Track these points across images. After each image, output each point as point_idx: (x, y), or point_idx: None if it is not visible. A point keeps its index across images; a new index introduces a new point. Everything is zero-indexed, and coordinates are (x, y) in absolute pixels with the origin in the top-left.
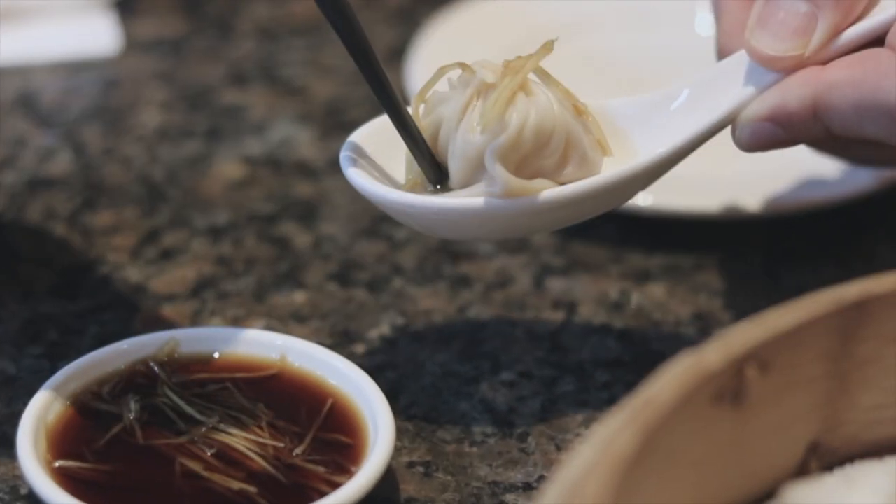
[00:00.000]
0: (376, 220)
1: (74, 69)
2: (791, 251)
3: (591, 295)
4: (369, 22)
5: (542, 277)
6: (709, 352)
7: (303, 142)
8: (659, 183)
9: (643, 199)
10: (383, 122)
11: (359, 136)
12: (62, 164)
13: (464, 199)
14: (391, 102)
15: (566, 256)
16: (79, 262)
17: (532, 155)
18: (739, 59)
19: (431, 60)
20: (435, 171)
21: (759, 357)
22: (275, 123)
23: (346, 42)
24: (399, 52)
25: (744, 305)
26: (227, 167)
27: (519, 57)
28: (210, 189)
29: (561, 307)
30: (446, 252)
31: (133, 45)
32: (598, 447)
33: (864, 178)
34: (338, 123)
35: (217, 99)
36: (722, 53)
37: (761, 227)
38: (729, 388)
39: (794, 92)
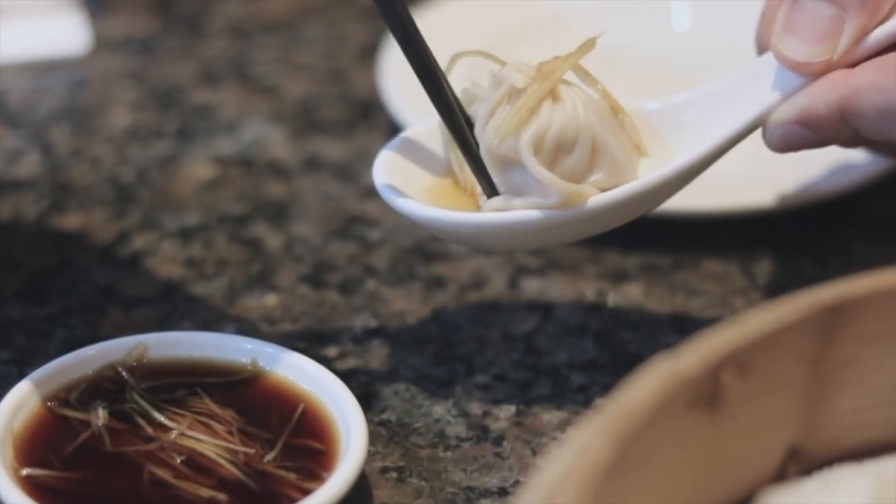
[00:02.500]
0: (349, 221)
1: (42, 69)
2: (769, 250)
3: (567, 295)
4: (341, 19)
5: (518, 278)
6: (685, 356)
7: (275, 141)
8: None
9: None
10: (403, 140)
11: (385, 157)
12: (30, 165)
13: (516, 213)
14: (456, 126)
15: (542, 256)
16: (47, 265)
17: (557, 163)
18: (769, 61)
19: (403, 58)
20: (491, 186)
21: (736, 361)
22: (246, 123)
23: (413, 62)
24: (371, 51)
25: (722, 305)
26: (198, 168)
27: (556, 58)
28: (180, 190)
29: (536, 308)
30: (420, 253)
31: (102, 43)
32: (573, 454)
33: (843, 177)
34: (310, 122)
35: (188, 98)
36: (761, 48)
37: (739, 225)
38: (705, 393)
39: (821, 96)
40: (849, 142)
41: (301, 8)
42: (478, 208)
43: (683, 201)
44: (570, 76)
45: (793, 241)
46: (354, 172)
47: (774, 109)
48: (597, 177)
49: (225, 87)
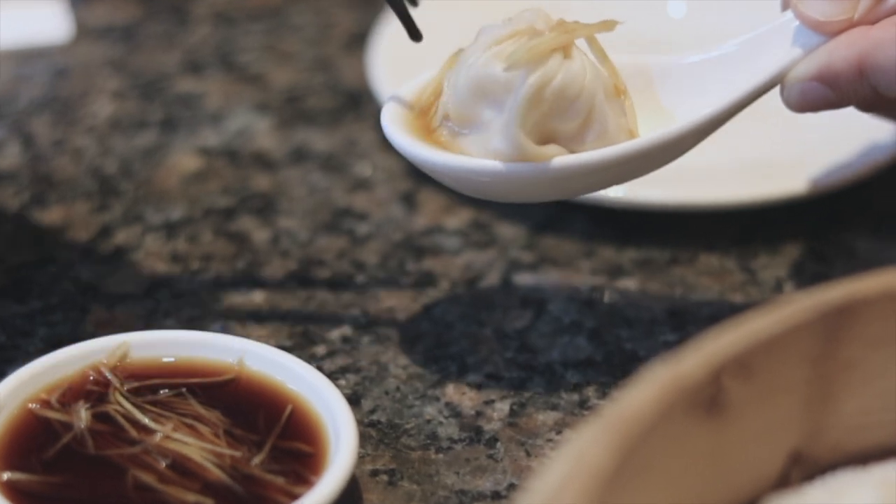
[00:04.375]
0: (337, 214)
1: (23, 57)
2: (768, 244)
3: (562, 291)
4: (329, 5)
5: (511, 274)
6: (685, 359)
7: (261, 131)
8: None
9: (615, 192)
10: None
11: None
12: (10, 157)
13: (472, 160)
14: None
15: (535, 251)
16: (27, 260)
17: (550, 116)
18: (788, 20)
19: (393, 45)
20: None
21: (739, 363)
22: (232, 112)
23: None
24: (360, 38)
25: (720, 301)
26: (183, 159)
27: (576, 21)
28: (164, 182)
29: (530, 305)
30: (410, 247)
31: (84, 31)
32: (571, 460)
33: (843, 169)
34: (297, 112)
35: (172, 87)
36: (784, 6)
37: (737, 219)
38: (706, 397)
39: (840, 52)
40: (868, 102)
41: None
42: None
43: (680, 194)
44: (583, 47)
45: (792, 235)
46: (342, 163)
47: (791, 68)
48: (586, 142)
49: (210, 76)
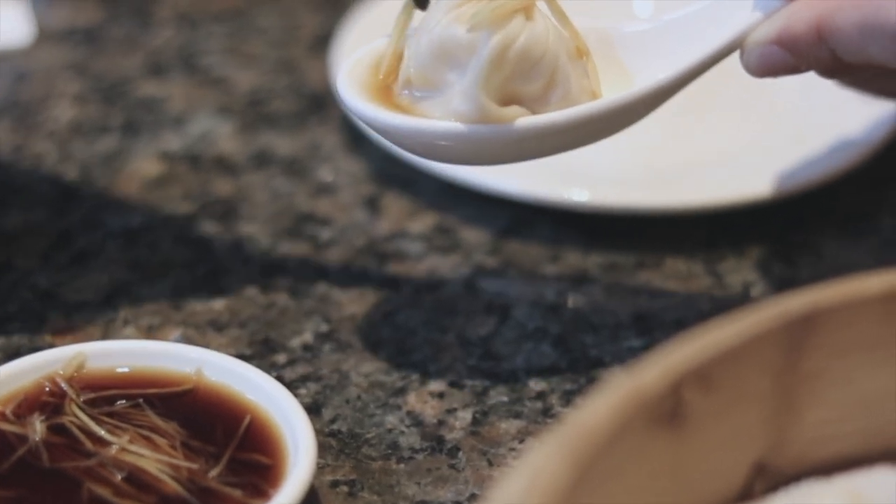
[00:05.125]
0: (299, 220)
1: None
2: (734, 247)
3: (526, 297)
4: (294, 6)
5: (475, 279)
6: (645, 371)
7: (223, 135)
8: (597, 177)
9: (579, 195)
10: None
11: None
12: None
13: (433, 122)
14: None
15: (500, 256)
16: None
17: (513, 78)
18: None
19: (357, 47)
20: None
21: (699, 375)
22: (194, 116)
23: None
24: (325, 40)
25: (686, 306)
26: (144, 164)
27: None
28: (125, 188)
29: (494, 311)
30: (373, 253)
31: (45, 34)
32: (529, 474)
33: (810, 170)
34: (260, 116)
35: (134, 91)
36: None
37: (703, 222)
38: (666, 409)
39: (799, 14)
40: (826, 65)
41: None
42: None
43: (646, 198)
44: (544, 10)
45: (758, 237)
46: (305, 168)
47: (751, 32)
48: (549, 104)
49: (172, 79)
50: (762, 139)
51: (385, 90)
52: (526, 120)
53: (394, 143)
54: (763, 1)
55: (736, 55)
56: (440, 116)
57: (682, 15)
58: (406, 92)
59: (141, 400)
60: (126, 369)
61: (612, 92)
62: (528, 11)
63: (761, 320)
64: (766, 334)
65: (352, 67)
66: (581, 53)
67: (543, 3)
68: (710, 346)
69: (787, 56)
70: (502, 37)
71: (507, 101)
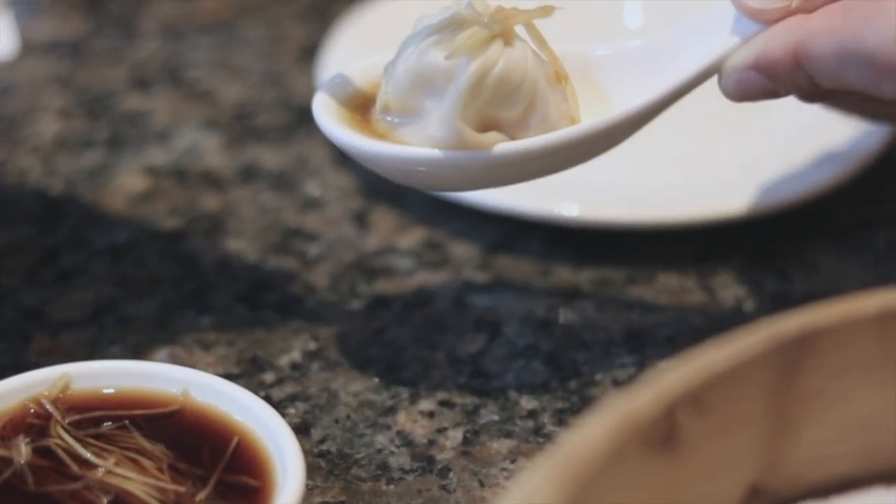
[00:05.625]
0: (287, 235)
1: None
2: (727, 261)
3: (517, 313)
4: (281, 17)
5: (465, 295)
6: (638, 395)
7: (209, 149)
8: (587, 192)
9: (570, 210)
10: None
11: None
12: None
13: (409, 148)
14: None
15: (490, 271)
16: None
17: (491, 104)
18: (726, 8)
19: (345, 59)
20: None
21: (693, 398)
22: (180, 130)
23: None
24: (312, 51)
25: (678, 322)
26: (129, 179)
27: (514, 8)
28: (111, 203)
29: (484, 327)
30: (361, 269)
31: (30, 47)
32: (521, 501)
33: (803, 183)
34: (246, 129)
35: (119, 104)
36: None
37: (696, 236)
38: (660, 434)
39: (777, 40)
40: (805, 91)
41: (238, 6)
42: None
43: (638, 213)
44: (522, 35)
45: (752, 251)
46: (293, 182)
47: (728, 56)
48: (525, 132)
49: (157, 92)
50: (754, 152)
51: (364, 117)
52: (504, 146)
53: (372, 168)
54: (741, 25)
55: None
56: (418, 143)
57: (660, 39)
58: (384, 117)
59: (127, 421)
60: (112, 390)
61: (591, 116)
62: (506, 37)
63: (755, 342)
64: (760, 356)
65: (329, 91)
66: (560, 78)
67: (522, 27)
68: (703, 369)
69: (764, 81)
70: (481, 63)
71: (485, 126)
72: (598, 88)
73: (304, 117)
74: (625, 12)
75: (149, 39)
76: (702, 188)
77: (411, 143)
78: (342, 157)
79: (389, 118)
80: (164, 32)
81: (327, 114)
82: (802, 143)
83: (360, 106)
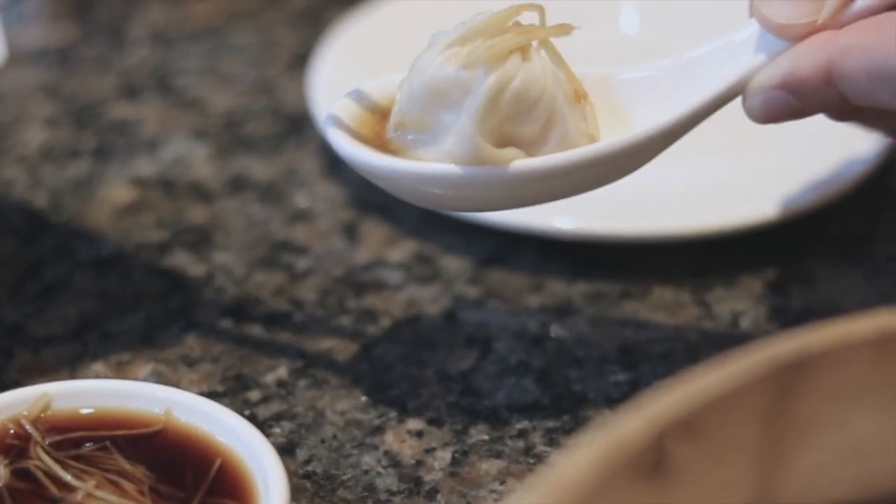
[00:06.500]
0: (275, 248)
1: None
2: (724, 275)
3: (509, 329)
4: (272, 24)
5: (455, 310)
6: (626, 422)
7: (197, 159)
8: (581, 204)
9: (564, 223)
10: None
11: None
12: None
13: (425, 164)
14: None
15: (481, 286)
16: None
17: (509, 119)
18: (752, 26)
19: (337, 66)
20: None
21: (683, 425)
22: (168, 139)
23: None
24: (303, 58)
25: (673, 338)
26: (116, 190)
27: (532, 24)
28: (96, 215)
29: (475, 343)
30: (350, 283)
31: (17, 55)
32: None
33: (798, 198)
34: (236, 139)
35: (106, 113)
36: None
37: (692, 249)
38: (649, 461)
39: (806, 57)
40: (834, 109)
41: (229, 12)
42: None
43: (633, 225)
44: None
45: (749, 265)
46: (282, 193)
47: (753, 76)
48: (545, 148)
49: (146, 101)
50: (751, 165)
51: (378, 135)
52: (523, 162)
53: (386, 188)
54: (766, 43)
55: None
56: (434, 160)
57: (683, 59)
58: (398, 134)
59: (108, 442)
60: (93, 410)
61: (611, 135)
62: (524, 51)
63: (748, 366)
64: (754, 381)
65: (341, 109)
66: (579, 97)
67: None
68: (694, 394)
69: (792, 100)
70: (499, 75)
71: (502, 143)
72: (620, 109)
73: (294, 126)
74: (621, 18)
75: (138, 46)
76: (698, 201)
77: (427, 161)
78: (332, 168)
79: (404, 135)
80: (154, 39)
81: (339, 131)
82: (800, 156)
83: (374, 125)
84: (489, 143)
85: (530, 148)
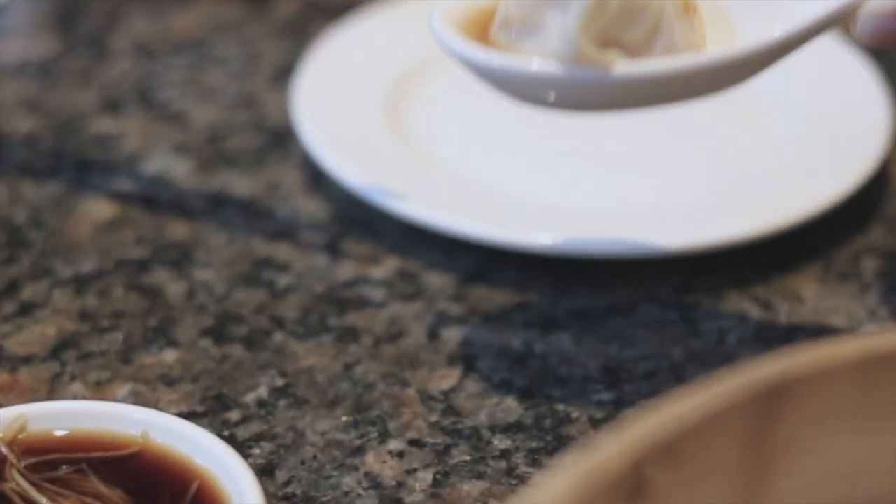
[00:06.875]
0: (256, 265)
1: None
2: (710, 292)
3: (492, 347)
4: (255, 36)
5: (438, 328)
6: (607, 446)
7: (179, 175)
8: (566, 220)
9: (547, 239)
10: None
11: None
12: None
13: (529, 59)
14: None
15: (465, 303)
16: None
17: (615, 22)
18: None
19: (321, 78)
20: None
21: (662, 451)
22: (149, 154)
23: None
24: (287, 71)
25: (658, 355)
26: (96, 206)
27: None
28: (76, 232)
29: (457, 362)
30: (332, 300)
31: None
32: None
33: (785, 214)
34: (218, 153)
35: (88, 128)
36: None
37: (678, 266)
38: (629, 486)
39: None
40: None
41: (212, 23)
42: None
43: (618, 241)
44: None
45: (735, 282)
46: (264, 209)
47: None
48: (648, 56)
49: (127, 115)
50: (738, 180)
51: (482, 31)
52: (624, 65)
53: (489, 83)
54: None
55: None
56: (538, 56)
57: None
58: (503, 32)
59: (84, 465)
60: (69, 431)
61: (717, 46)
62: None
63: (729, 391)
64: (734, 406)
65: (448, 8)
66: (688, 8)
67: None
68: (674, 419)
69: None
70: None
71: (607, 45)
72: (727, 18)
73: (276, 140)
74: None
75: (120, 59)
76: (684, 217)
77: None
78: (314, 183)
79: (509, 32)
80: (137, 52)
81: (446, 27)
82: (787, 171)
83: (480, 24)
84: (593, 44)
85: (634, 53)
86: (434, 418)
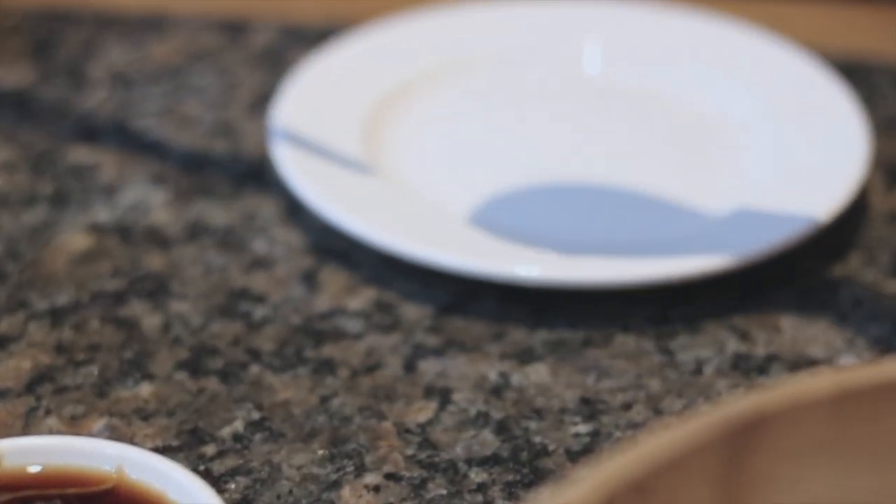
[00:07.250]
0: (232, 296)
1: None
2: (687, 322)
3: (468, 378)
4: (233, 64)
5: (415, 360)
6: (577, 484)
7: (156, 205)
8: (543, 251)
9: (524, 270)
10: None
11: None
12: None
13: None
14: None
15: (442, 334)
16: None
17: None
18: None
19: (299, 107)
20: None
21: (635, 488)
22: (126, 185)
23: None
24: (264, 99)
25: (635, 387)
26: (72, 238)
27: None
28: (52, 264)
29: (434, 395)
30: (309, 332)
31: None
32: None
33: (762, 242)
34: (194, 184)
35: (64, 158)
36: None
37: (654, 296)
38: None
39: None
40: None
41: (189, 51)
42: None
43: (595, 271)
44: None
45: (713, 311)
46: (240, 239)
47: None
48: None
49: (104, 145)
50: (715, 209)
51: None
52: None
53: None
54: None
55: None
56: None
57: None
58: None
59: (58, 501)
60: (43, 467)
61: None
62: None
63: (701, 428)
64: (707, 443)
65: None
66: None
67: None
68: (645, 457)
69: None
70: None
71: None
72: None
73: (253, 170)
74: (584, 57)
75: (97, 89)
76: (661, 246)
77: None
78: (291, 213)
79: None
80: (113, 81)
81: None
82: (765, 199)
83: None
84: None
85: None
86: (410, 451)
